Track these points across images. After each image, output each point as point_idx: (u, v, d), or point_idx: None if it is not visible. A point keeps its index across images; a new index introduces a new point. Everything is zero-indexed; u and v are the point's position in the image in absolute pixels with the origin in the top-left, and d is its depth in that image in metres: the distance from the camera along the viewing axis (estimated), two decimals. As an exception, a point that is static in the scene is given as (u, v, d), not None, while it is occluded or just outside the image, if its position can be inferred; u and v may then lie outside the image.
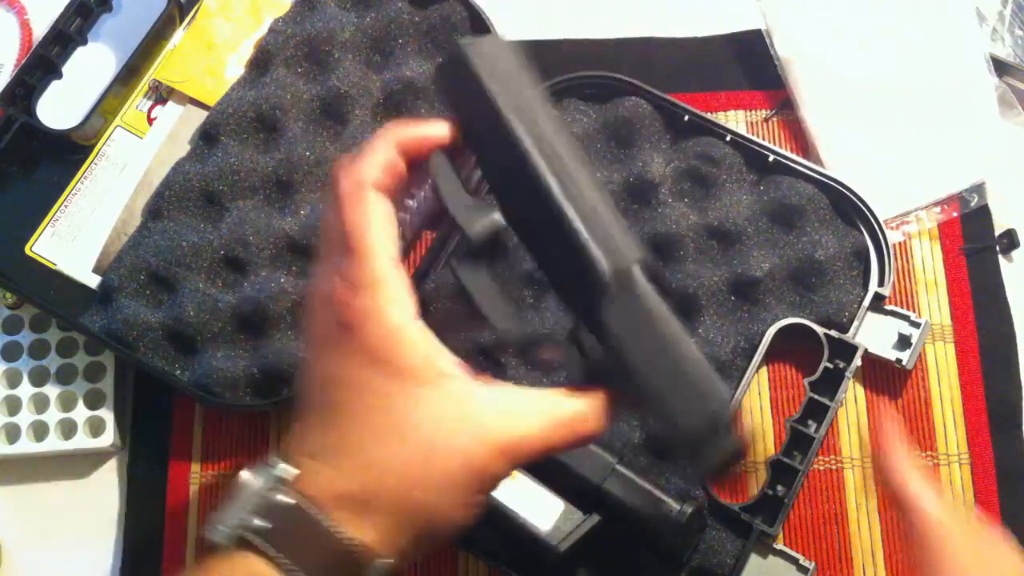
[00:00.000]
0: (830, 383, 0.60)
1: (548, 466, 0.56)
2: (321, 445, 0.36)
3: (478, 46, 0.41)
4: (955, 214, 0.65)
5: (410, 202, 0.43)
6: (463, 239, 0.40)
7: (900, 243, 0.65)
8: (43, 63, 0.67)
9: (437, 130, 0.41)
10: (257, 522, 0.34)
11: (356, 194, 0.38)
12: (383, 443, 0.35)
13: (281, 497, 0.35)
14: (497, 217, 0.40)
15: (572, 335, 0.40)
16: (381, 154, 0.39)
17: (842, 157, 0.66)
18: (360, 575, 0.35)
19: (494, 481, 0.37)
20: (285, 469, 0.35)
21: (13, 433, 0.64)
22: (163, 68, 0.68)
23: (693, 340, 0.37)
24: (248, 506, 0.35)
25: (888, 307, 0.62)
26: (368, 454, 0.35)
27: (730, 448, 0.37)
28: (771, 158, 0.64)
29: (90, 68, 0.68)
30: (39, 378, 0.65)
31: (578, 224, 0.37)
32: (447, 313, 0.44)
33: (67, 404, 0.64)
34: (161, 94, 0.68)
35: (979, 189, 0.65)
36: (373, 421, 0.36)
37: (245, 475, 0.36)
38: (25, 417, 0.64)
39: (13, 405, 0.64)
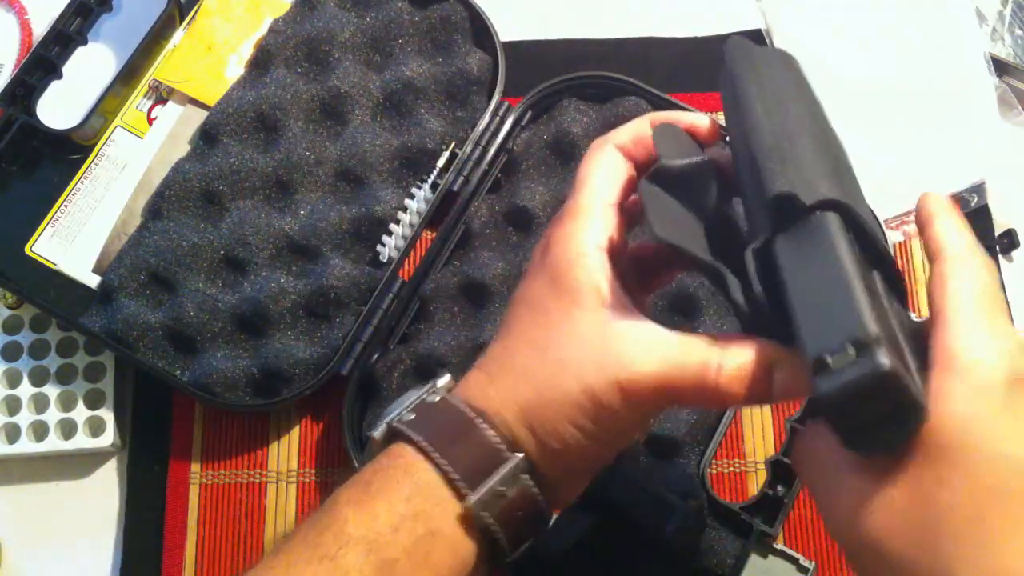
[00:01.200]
0: (830, 383, 0.60)
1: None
2: (490, 355, 0.40)
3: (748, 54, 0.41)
4: (955, 214, 0.65)
5: None
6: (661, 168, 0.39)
7: (900, 243, 0.65)
8: (43, 63, 0.67)
9: (695, 119, 0.43)
10: (408, 415, 0.39)
11: (598, 149, 0.41)
12: (529, 355, 0.38)
13: (430, 396, 0.40)
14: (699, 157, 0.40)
15: (742, 286, 0.37)
16: (634, 125, 0.42)
17: (842, 157, 0.65)
18: (499, 467, 0.38)
19: (613, 417, 0.37)
20: (445, 378, 0.41)
21: (13, 433, 0.64)
22: (163, 68, 0.68)
23: (866, 290, 0.33)
24: (404, 405, 0.40)
25: (888, 307, 0.61)
26: (515, 363, 0.39)
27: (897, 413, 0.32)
28: (771, 158, 0.64)
29: (90, 68, 0.68)
30: (39, 378, 0.65)
31: (765, 151, 0.36)
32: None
33: (67, 404, 0.64)
34: (161, 94, 0.68)
35: (979, 189, 0.65)
36: (530, 335, 0.39)
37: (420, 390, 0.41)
38: (25, 417, 0.64)
39: (13, 405, 0.64)
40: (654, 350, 0.37)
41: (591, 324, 0.38)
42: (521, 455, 0.38)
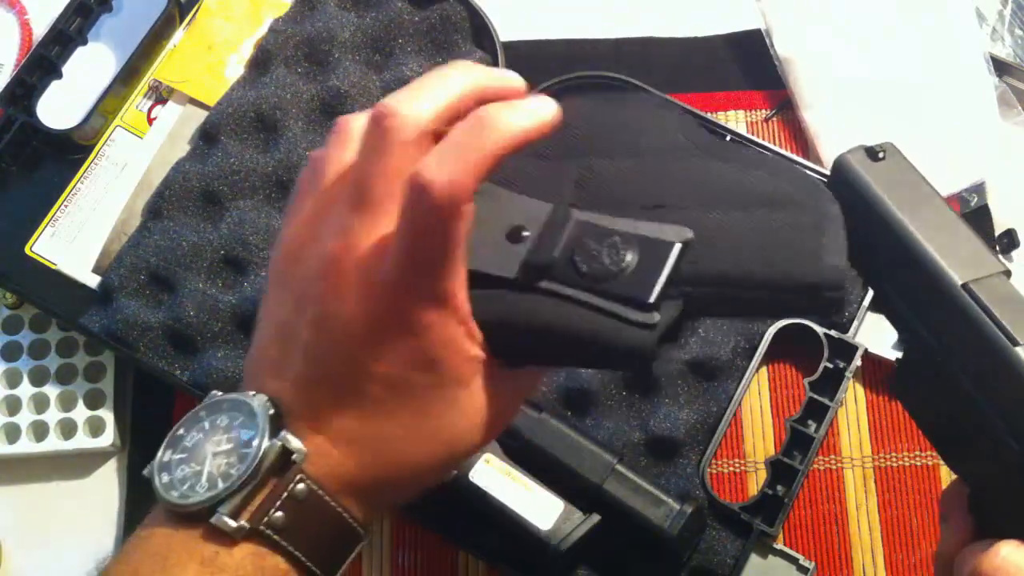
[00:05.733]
0: (830, 383, 0.60)
1: (548, 466, 0.56)
2: (348, 434, 0.35)
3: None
4: (955, 214, 0.65)
5: None
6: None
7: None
8: (43, 63, 0.67)
9: (503, 81, 0.34)
10: (278, 515, 0.33)
11: (454, 202, 0.31)
12: (412, 443, 0.35)
13: (302, 487, 0.34)
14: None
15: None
16: (433, 92, 0.33)
17: (842, 157, 0.65)
18: (351, 552, 0.35)
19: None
20: (300, 450, 0.34)
21: (13, 433, 0.64)
22: (163, 68, 0.68)
23: None
24: (268, 497, 0.33)
25: (888, 307, 0.61)
26: (394, 450, 0.35)
27: None
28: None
29: (90, 68, 0.68)
30: (39, 378, 0.65)
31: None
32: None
33: (67, 404, 0.64)
34: (161, 94, 0.68)
35: (979, 189, 0.65)
36: (408, 422, 0.35)
37: (260, 445, 0.34)
38: (25, 417, 0.64)
39: (13, 405, 0.64)
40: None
41: (474, 397, 0.36)
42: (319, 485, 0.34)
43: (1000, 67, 0.67)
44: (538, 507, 0.55)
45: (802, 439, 0.59)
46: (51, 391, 0.64)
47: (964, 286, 0.35)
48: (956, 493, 0.40)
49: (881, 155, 0.39)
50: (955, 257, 0.36)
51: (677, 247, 0.34)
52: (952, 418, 0.39)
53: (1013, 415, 0.35)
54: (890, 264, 0.38)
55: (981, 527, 0.38)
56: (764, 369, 0.63)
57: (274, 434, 0.34)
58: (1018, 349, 0.34)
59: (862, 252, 0.40)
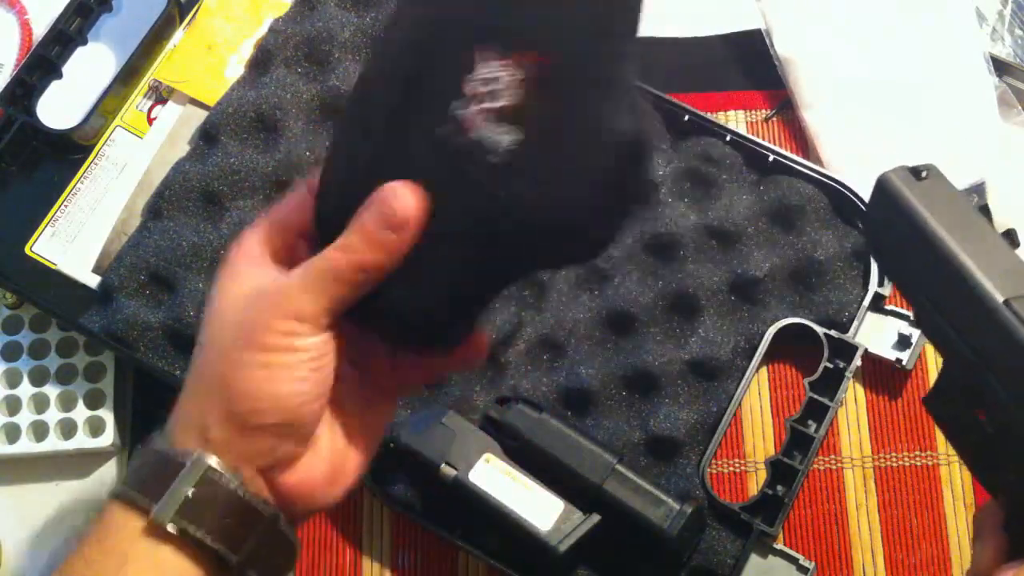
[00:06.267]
0: (830, 383, 0.60)
1: (548, 466, 0.56)
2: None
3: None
4: (955, 214, 0.65)
5: None
6: None
7: (900, 243, 0.65)
8: (43, 63, 0.67)
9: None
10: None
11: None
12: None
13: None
14: None
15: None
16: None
17: (842, 157, 0.66)
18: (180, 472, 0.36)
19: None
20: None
21: (13, 433, 0.63)
22: (163, 68, 0.68)
23: None
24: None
25: (888, 307, 0.62)
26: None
27: None
28: (771, 158, 0.64)
29: (90, 68, 0.68)
30: (39, 378, 0.65)
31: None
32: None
33: (67, 404, 0.64)
34: (161, 94, 0.68)
35: (979, 189, 0.65)
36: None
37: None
38: (25, 417, 0.64)
39: (13, 405, 0.64)
40: None
41: None
42: (201, 452, 0.35)
43: (1000, 67, 0.67)
44: (538, 507, 0.55)
45: (802, 439, 0.59)
46: (51, 391, 0.64)
47: (1006, 303, 0.36)
48: (990, 513, 0.40)
49: (924, 175, 0.39)
50: (997, 274, 0.36)
51: None
52: (988, 437, 0.39)
53: None
54: (932, 281, 0.39)
55: (1015, 547, 0.38)
56: (764, 369, 0.63)
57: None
58: None
59: (904, 269, 0.40)
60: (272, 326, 0.35)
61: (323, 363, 0.36)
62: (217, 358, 0.37)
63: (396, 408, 0.43)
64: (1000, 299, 0.36)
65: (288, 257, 0.38)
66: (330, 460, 0.38)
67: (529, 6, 0.32)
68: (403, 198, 0.34)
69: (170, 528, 0.34)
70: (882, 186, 0.39)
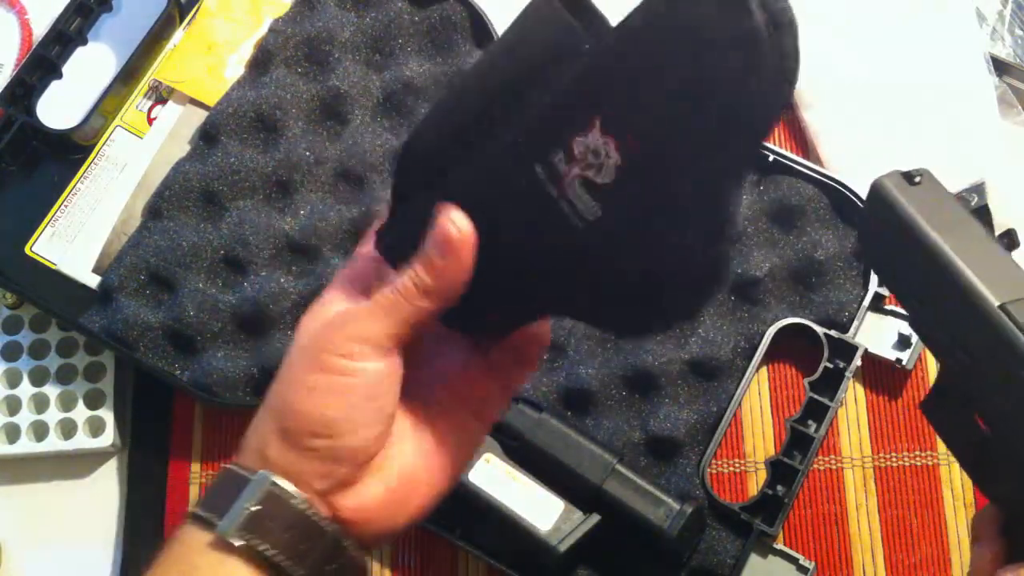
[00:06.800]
0: (830, 383, 0.60)
1: (548, 466, 0.56)
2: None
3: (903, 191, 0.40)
4: (955, 214, 0.65)
5: None
6: None
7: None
8: (43, 63, 0.67)
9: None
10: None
11: None
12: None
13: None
14: None
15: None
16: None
17: (842, 157, 0.65)
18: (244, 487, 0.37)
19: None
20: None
21: (13, 433, 0.64)
22: (163, 68, 0.68)
23: None
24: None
25: (888, 307, 0.62)
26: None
27: None
28: (771, 158, 0.64)
29: (90, 68, 0.68)
30: (39, 378, 0.65)
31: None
32: None
33: (67, 404, 0.64)
34: (161, 94, 0.68)
35: (979, 189, 0.65)
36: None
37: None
38: (25, 417, 0.64)
39: (13, 405, 0.64)
40: None
41: None
42: (266, 471, 0.37)
43: (1000, 67, 0.67)
44: (538, 507, 0.55)
45: (802, 439, 0.59)
46: (51, 391, 0.64)
47: (1001, 307, 0.36)
48: (989, 516, 0.40)
49: (918, 179, 0.39)
50: (992, 278, 0.36)
51: None
52: (985, 441, 0.39)
53: None
54: (927, 285, 0.39)
55: (1013, 550, 0.38)
56: (764, 369, 0.63)
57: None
58: None
59: (899, 274, 0.40)
60: (334, 347, 0.36)
61: (379, 392, 0.37)
62: (282, 379, 0.38)
63: (473, 450, 0.43)
64: (996, 303, 0.36)
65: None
66: (395, 490, 0.39)
67: (658, 107, 0.32)
68: (451, 227, 0.35)
69: (235, 541, 0.36)
70: (876, 191, 0.39)
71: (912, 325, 0.41)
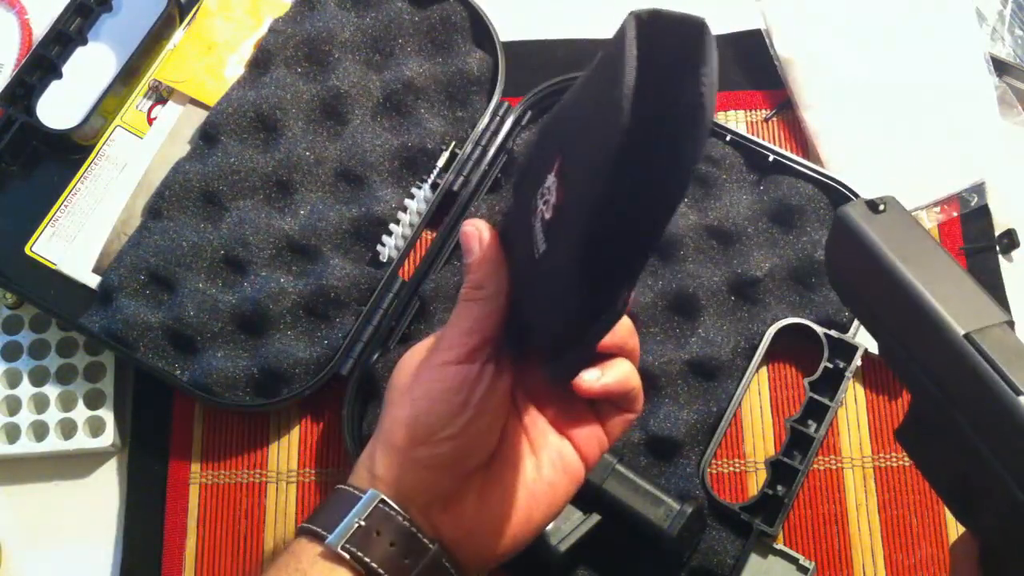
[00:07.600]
0: (830, 383, 0.60)
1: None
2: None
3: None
4: (955, 214, 0.65)
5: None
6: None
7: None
8: (43, 63, 0.67)
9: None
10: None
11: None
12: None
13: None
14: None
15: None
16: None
17: (842, 157, 0.66)
18: (355, 504, 0.42)
19: None
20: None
21: (13, 433, 0.64)
22: (163, 68, 0.68)
23: None
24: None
25: (888, 307, 0.62)
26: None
27: None
28: (771, 158, 0.64)
29: (90, 68, 0.68)
30: (39, 378, 0.65)
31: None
32: None
33: (67, 404, 0.64)
34: (161, 94, 0.68)
35: (979, 189, 0.65)
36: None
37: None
38: (25, 417, 0.64)
39: (13, 405, 0.64)
40: None
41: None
42: (374, 489, 0.41)
43: (1000, 67, 0.67)
44: (538, 507, 0.55)
45: (802, 439, 0.59)
46: (51, 391, 0.64)
47: (967, 336, 0.35)
48: (965, 545, 0.40)
49: (882, 208, 0.39)
50: (957, 307, 0.36)
51: None
52: (959, 472, 0.38)
53: (1018, 466, 0.34)
54: (893, 316, 0.38)
55: None
56: (764, 369, 0.63)
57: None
58: (1021, 399, 0.34)
59: (866, 304, 0.39)
60: (427, 357, 0.42)
61: (472, 395, 0.41)
62: (386, 405, 0.43)
63: (567, 500, 0.45)
64: (961, 332, 0.35)
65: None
66: (491, 509, 0.42)
67: (581, 161, 0.33)
68: (467, 226, 0.42)
69: (342, 552, 0.39)
70: (840, 221, 0.39)
71: (882, 355, 0.41)
